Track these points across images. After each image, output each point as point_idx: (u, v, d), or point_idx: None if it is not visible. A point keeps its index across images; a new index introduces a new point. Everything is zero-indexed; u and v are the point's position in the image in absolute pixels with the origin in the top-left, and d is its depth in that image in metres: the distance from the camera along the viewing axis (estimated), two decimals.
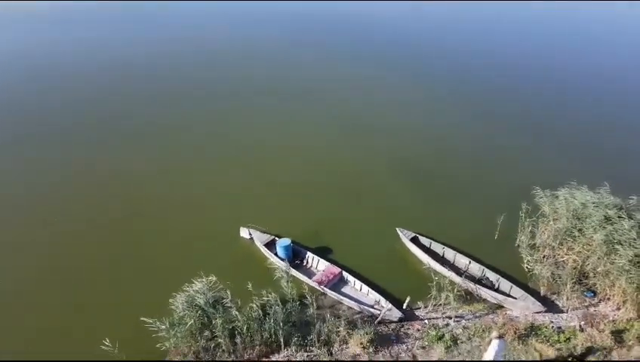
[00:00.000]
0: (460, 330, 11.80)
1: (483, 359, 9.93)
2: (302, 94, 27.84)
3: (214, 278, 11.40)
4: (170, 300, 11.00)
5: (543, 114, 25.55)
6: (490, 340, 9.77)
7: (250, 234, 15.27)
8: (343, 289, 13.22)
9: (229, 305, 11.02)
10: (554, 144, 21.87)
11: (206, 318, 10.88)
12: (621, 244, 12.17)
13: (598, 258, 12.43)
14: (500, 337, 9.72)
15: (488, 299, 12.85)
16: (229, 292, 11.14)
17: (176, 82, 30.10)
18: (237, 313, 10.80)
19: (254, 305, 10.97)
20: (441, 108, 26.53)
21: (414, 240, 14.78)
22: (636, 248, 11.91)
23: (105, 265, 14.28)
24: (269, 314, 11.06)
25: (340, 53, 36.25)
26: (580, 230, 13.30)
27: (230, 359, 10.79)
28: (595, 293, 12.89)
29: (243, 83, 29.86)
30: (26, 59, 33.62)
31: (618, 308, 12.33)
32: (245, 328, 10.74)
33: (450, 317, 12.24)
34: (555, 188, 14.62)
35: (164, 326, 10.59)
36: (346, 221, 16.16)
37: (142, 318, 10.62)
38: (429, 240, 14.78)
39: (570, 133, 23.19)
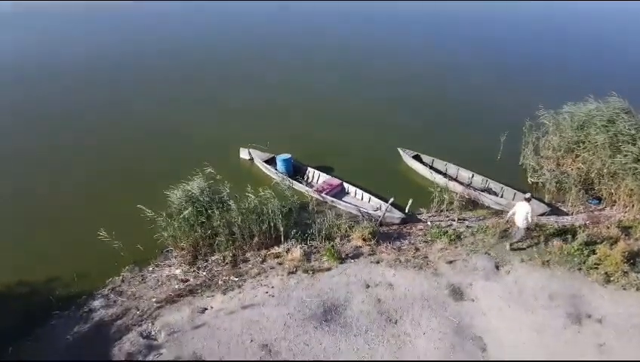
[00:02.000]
0: (463, 229, 11.57)
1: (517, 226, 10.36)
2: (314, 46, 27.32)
3: (211, 170, 11.11)
4: (166, 192, 10.71)
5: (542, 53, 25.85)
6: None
7: (250, 154, 15.01)
8: (344, 199, 12.99)
9: (226, 198, 10.78)
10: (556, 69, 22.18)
11: (204, 210, 10.60)
12: (627, 143, 11.95)
13: (602, 161, 12.20)
14: (529, 200, 10.24)
15: (492, 205, 12.63)
16: (227, 186, 10.89)
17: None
18: (234, 204, 10.51)
19: (251, 196, 10.67)
20: (444, 48, 26.55)
21: (416, 158, 14.54)
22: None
23: (113, 171, 14.18)
24: (266, 207, 10.77)
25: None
26: (584, 139, 13.06)
27: (229, 250, 10.53)
28: (600, 200, 12.68)
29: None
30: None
31: (625, 211, 12.11)
32: (241, 219, 10.44)
33: (453, 220, 12.02)
34: (560, 107, 14.32)
35: (161, 218, 10.35)
36: (348, 143, 15.86)
37: (139, 205, 10.35)
38: (430, 157, 14.56)
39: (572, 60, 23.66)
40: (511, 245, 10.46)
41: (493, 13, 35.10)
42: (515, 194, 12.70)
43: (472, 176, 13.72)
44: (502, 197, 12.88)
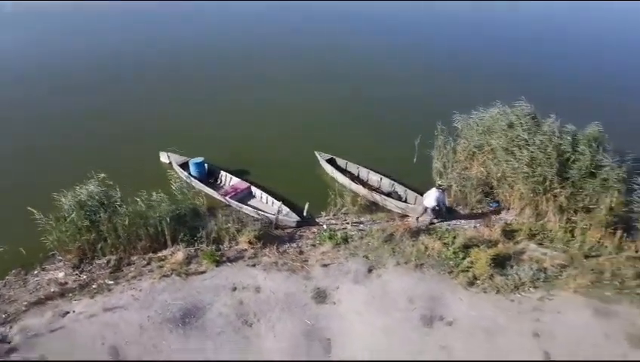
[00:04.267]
0: (355, 232, 11.76)
1: (423, 204, 11.79)
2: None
3: (103, 175, 11.28)
4: (55, 194, 10.86)
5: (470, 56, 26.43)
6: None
7: (168, 158, 15.18)
8: (249, 202, 13.19)
9: (119, 203, 10.96)
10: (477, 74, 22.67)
11: (92, 213, 10.77)
12: (519, 148, 12.14)
13: (495, 164, 12.41)
14: (441, 189, 11.54)
15: (394, 209, 12.84)
16: (118, 190, 11.08)
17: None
18: (121, 209, 10.69)
19: (139, 200, 10.86)
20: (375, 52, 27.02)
21: (331, 162, 14.73)
22: (532, 151, 11.88)
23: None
24: (154, 211, 10.94)
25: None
26: (485, 144, 13.25)
27: (114, 254, 10.70)
28: (499, 203, 12.87)
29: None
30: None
31: (517, 215, 12.30)
32: (128, 223, 10.62)
33: (348, 223, 12.20)
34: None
35: (49, 222, 10.52)
36: (266, 147, 16.03)
37: (29, 208, 10.49)
38: (344, 160, 14.75)
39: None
40: (417, 220, 12.01)
41: (437, 15, 36.34)
42: (416, 197, 12.91)
43: (381, 180, 13.95)
44: (405, 201, 13.09)
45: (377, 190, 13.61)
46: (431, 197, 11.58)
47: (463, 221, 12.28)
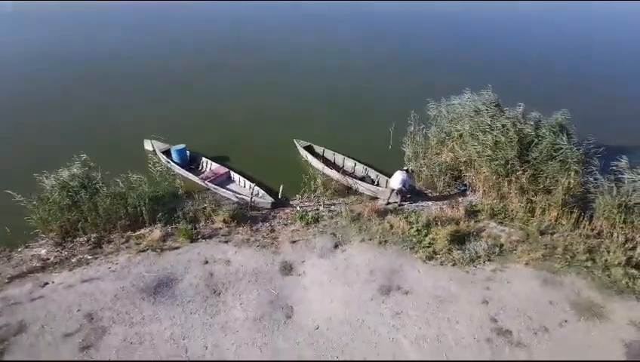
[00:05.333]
0: (326, 213, 12.30)
1: (389, 187, 12.46)
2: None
3: (85, 155, 11.80)
4: (36, 174, 11.38)
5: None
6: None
7: (152, 145, 15.71)
8: (228, 186, 13.73)
9: (100, 184, 11.51)
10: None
11: (74, 194, 11.31)
12: (484, 133, 12.69)
13: (463, 149, 12.94)
14: (405, 170, 12.27)
15: (365, 192, 13.38)
16: (99, 172, 11.63)
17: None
18: (102, 189, 11.24)
19: (118, 180, 11.42)
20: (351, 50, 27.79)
21: (308, 149, 15.29)
22: (495, 135, 12.43)
23: None
24: (134, 192, 11.50)
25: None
26: (453, 130, 13.80)
27: (95, 232, 11.24)
28: (467, 186, 13.41)
29: None
30: None
31: (483, 197, 12.84)
32: (108, 201, 11.17)
33: (321, 205, 12.74)
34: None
35: (33, 202, 11.05)
36: (248, 135, 16.60)
37: (7, 191, 11.03)
38: (321, 147, 15.31)
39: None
40: (387, 203, 12.59)
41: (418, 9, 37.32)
42: (387, 181, 13.45)
43: (355, 165, 14.51)
44: (377, 184, 13.65)
45: (352, 175, 14.15)
46: (396, 179, 12.18)
47: (430, 202, 12.81)
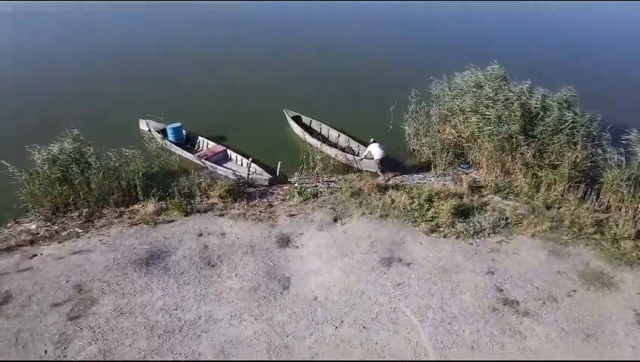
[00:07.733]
0: (325, 189, 11.95)
1: (376, 159, 12.59)
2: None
3: (76, 131, 11.44)
4: (27, 147, 11.02)
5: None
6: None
7: (147, 125, 15.35)
8: (225, 164, 13.39)
9: (93, 159, 11.16)
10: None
11: (65, 168, 10.96)
12: (486, 107, 12.33)
13: (466, 126, 12.59)
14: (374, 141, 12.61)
15: (351, 164, 13.18)
16: (91, 147, 11.28)
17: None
18: (94, 163, 10.90)
19: (111, 154, 11.07)
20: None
21: (296, 119, 15.20)
22: (497, 110, 12.07)
23: None
24: (127, 167, 11.16)
25: None
26: (455, 107, 13.44)
27: (87, 207, 10.89)
28: (469, 165, 13.06)
29: None
30: None
31: (487, 174, 12.47)
32: (101, 175, 10.82)
33: (319, 181, 12.40)
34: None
35: (24, 176, 10.70)
36: (245, 113, 16.26)
37: (2, 161, 10.64)
38: (309, 118, 15.29)
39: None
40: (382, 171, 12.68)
41: None
42: (368, 151, 13.16)
43: (339, 136, 14.53)
44: (357, 155, 13.43)
45: (335, 145, 14.24)
46: (377, 151, 12.54)
47: (432, 179, 12.45)
